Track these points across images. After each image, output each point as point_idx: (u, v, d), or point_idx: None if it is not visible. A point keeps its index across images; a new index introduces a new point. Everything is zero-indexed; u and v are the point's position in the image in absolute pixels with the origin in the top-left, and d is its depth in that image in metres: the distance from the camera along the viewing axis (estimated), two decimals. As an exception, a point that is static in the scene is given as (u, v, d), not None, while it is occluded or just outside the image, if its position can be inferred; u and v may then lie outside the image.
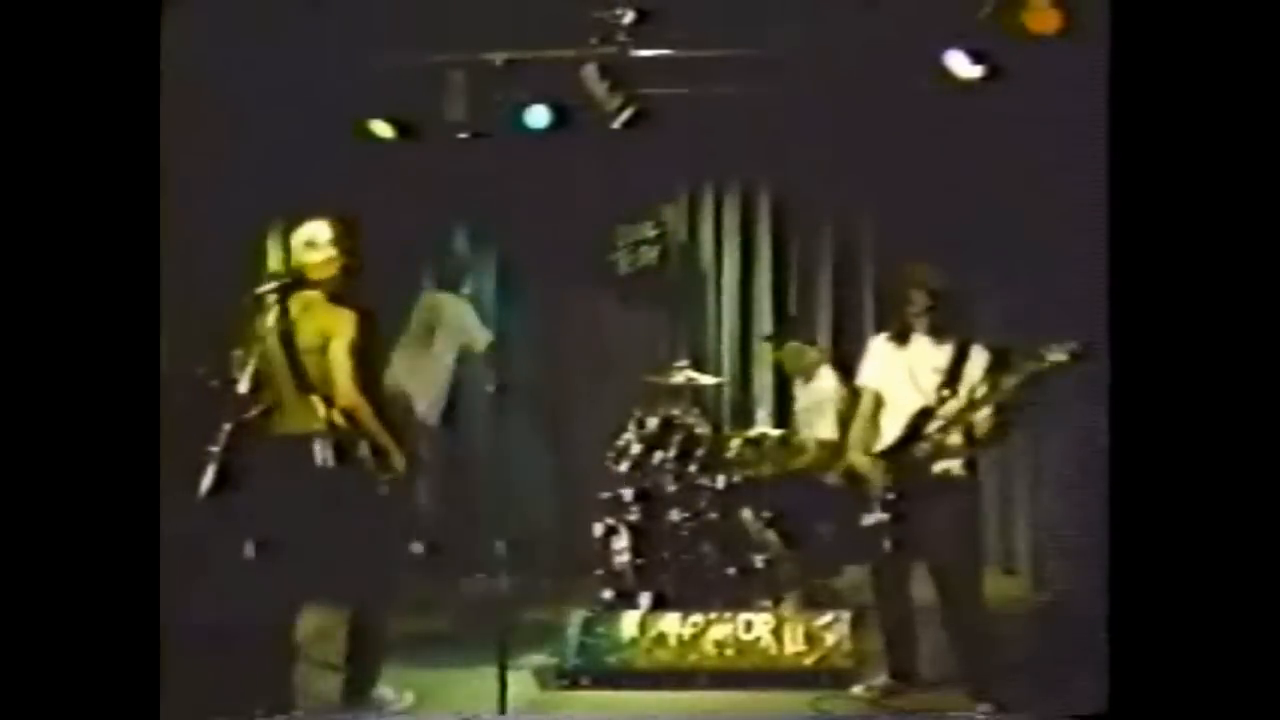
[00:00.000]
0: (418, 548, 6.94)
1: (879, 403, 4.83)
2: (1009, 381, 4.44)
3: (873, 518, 4.63)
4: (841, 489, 5.52)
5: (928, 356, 4.69)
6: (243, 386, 3.95)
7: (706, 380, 6.73)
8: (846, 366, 6.03)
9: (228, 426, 3.80)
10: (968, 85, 5.48)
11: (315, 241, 4.43)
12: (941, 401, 4.59)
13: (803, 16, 5.32)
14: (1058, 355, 4.27)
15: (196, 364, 4.28)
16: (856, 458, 4.76)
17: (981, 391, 4.57)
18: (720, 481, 6.02)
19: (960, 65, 5.42)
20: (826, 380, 6.53)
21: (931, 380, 4.64)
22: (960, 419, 4.53)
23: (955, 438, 4.56)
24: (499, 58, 5.72)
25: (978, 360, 4.65)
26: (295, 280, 4.41)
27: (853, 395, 5.35)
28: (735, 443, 6.42)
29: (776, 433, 6.61)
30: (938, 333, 4.70)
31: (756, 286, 7.51)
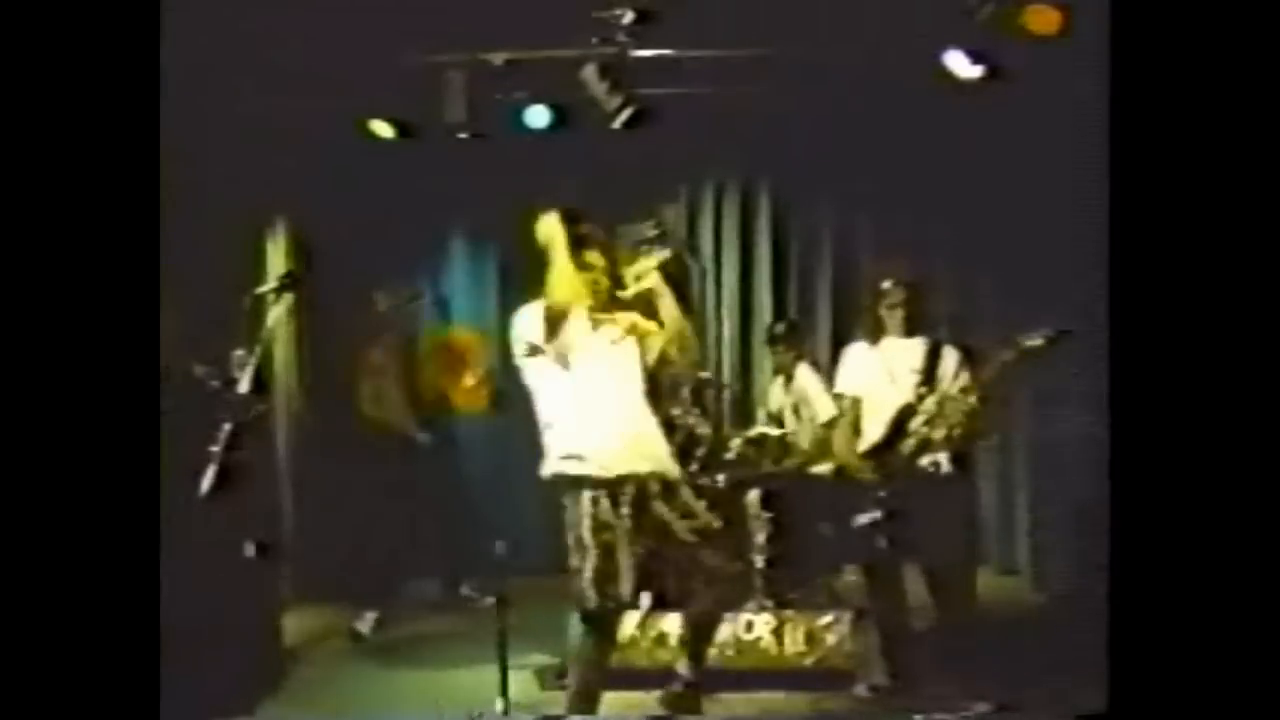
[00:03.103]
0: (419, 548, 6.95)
1: (858, 408, 4.85)
2: (987, 371, 4.45)
3: (866, 517, 4.64)
4: (843, 488, 5.53)
5: (903, 355, 4.72)
6: (242, 386, 3.94)
7: (706, 378, 6.73)
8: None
9: (228, 426, 3.79)
10: (968, 85, 5.48)
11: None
12: (921, 398, 4.61)
13: (803, 16, 5.31)
14: (1033, 341, 4.29)
15: (196, 364, 4.28)
16: (846, 458, 4.77)
17: (960, 383, 4.59)
18: (720, 481, 6.01)
19: (960, 65, 5.42)
20: (805, 374, 6.58)
21: (909, 378, 4.66)
22: (941, 411, 4.54)
23: (939, 431, 4.57)
24: (499, 58, 5.72)
25: (951, 354, 4.67)
26: (295, 280, 4.46)
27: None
28: (735, 443, 6.42)
29: (776, 432, 6.61)
30: (911, 328, 4.72)
31: (756, 286, 7.51)
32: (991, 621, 4.90)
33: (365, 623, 6.00)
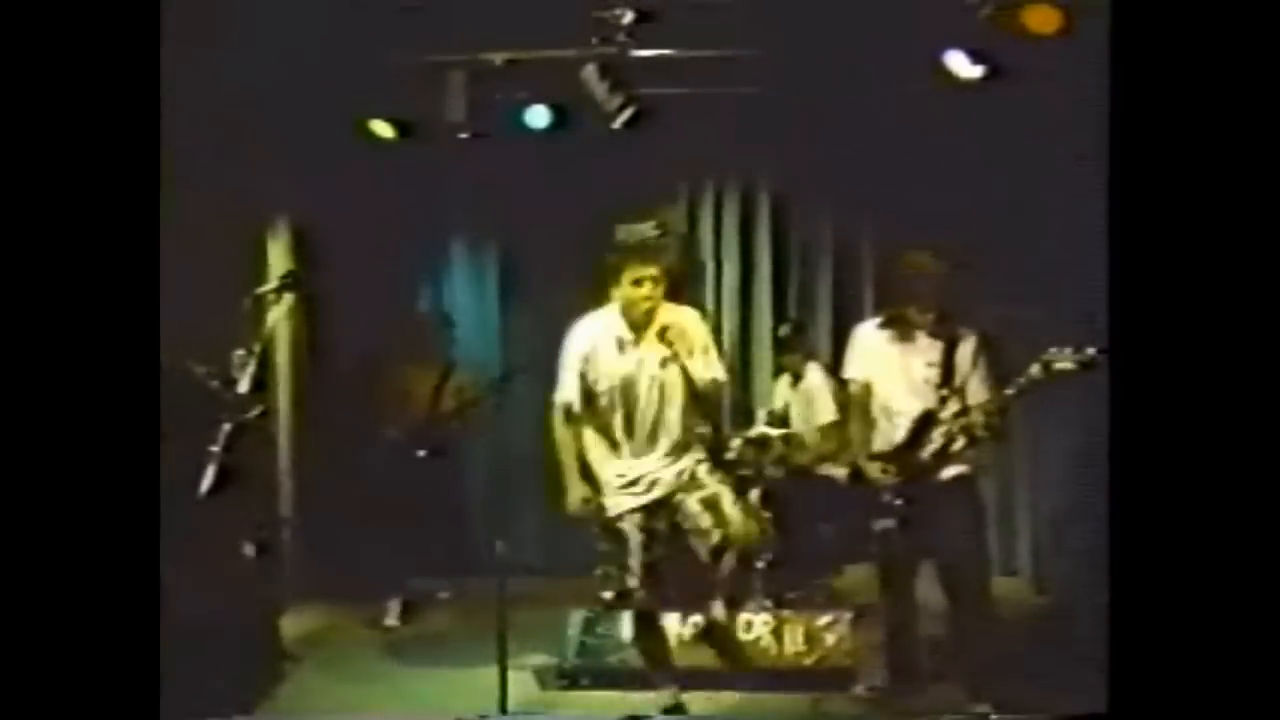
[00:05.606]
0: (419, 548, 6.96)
1: (869, 393, 4.81)
2: (1014, 386, 4.42)
3: (884, 523, 4.62)
4: (842, 488, 5.53)
5: (922, 353, 4.68)
6: (242, 386, 3.95)
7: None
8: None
9: (228, 426, 3.80)
10: (968, 85, 5.48)
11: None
12: (942, 402, 4.58)
13: (803, 17, 5.31)
14: (1065, 364, 4.25)
15: (196, 364, 4.28)
16: (863, 462, 4.74)
17: (983, 395, 4.57)
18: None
19: (960, 65, 5.41)
20: (815, 374, 6.58)
21: (927, 376, 4.63)
22: (965, 423, 4.52)
23: (960, 442, 4.55)
24: (499, 58, 5.71)
25: (970, 357, 4.64)
26: (295, 280, 4.47)
27: (840, 386, 5.35)
28: (735, 443, 6.42)
29: (777, 432, 6.61)
30: (933, 326, 4.69)
31: (756, 286, 7.51)
32: (992, 622, 4.89)
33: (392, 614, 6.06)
